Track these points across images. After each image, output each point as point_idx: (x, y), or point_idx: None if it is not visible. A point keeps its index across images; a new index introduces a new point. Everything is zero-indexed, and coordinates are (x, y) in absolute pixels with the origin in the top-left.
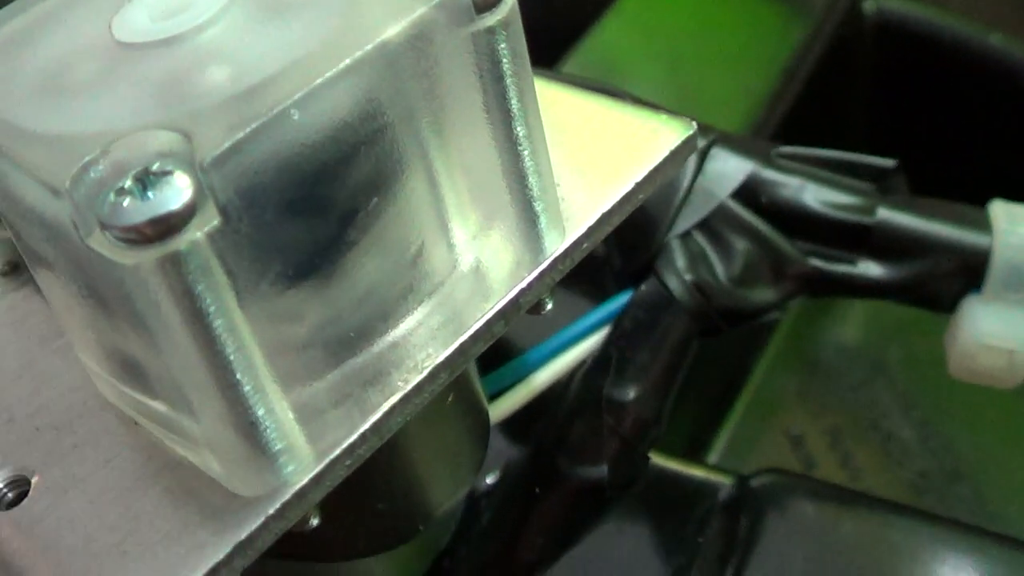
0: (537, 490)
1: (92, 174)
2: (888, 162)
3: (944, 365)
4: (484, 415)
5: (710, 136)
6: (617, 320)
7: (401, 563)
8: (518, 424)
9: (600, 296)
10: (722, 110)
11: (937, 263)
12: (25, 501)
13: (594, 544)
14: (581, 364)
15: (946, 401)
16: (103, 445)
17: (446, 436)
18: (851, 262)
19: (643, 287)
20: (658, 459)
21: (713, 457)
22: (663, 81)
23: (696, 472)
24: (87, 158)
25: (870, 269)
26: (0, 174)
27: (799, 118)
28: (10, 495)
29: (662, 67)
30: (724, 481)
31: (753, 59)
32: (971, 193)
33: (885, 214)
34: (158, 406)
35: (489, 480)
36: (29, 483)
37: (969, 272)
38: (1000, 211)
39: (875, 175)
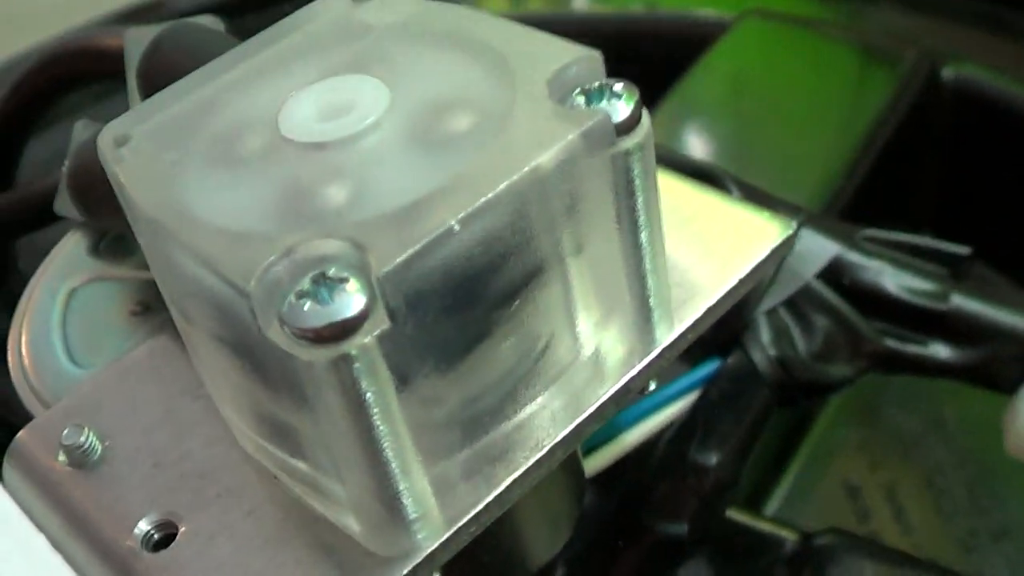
0: (620, 542)
1: (273, 274)
2: (963, 249)
3: (998, 427)
4: (582, 477)
5: (799, 217)
6: (705, 389)
7: None
8: (601, 476)
9: (688, 360)
10: (801, 172)
11: (1002, 348)
12: (173, 544)
13: None
14: (668, 426)
15: (998, 461)
16: (245, 496)
17: (549, 498)
18: (923, 343)
19: (730, 360)
20: (728, 511)
21: (773, 503)
22: (745, 138)
23: (763, 525)
24: (270, 258)
25: (939, 351)
26: (170, 255)
27: (875, 184)
28: (156, 537)
29: (745, 125)
30: (789, 536)
31: (833, 122)
32: None
33: (958, 301)
34: (302, 466)
35: None
36: (175, 527)
37: None
38: None
39: (950, 260)
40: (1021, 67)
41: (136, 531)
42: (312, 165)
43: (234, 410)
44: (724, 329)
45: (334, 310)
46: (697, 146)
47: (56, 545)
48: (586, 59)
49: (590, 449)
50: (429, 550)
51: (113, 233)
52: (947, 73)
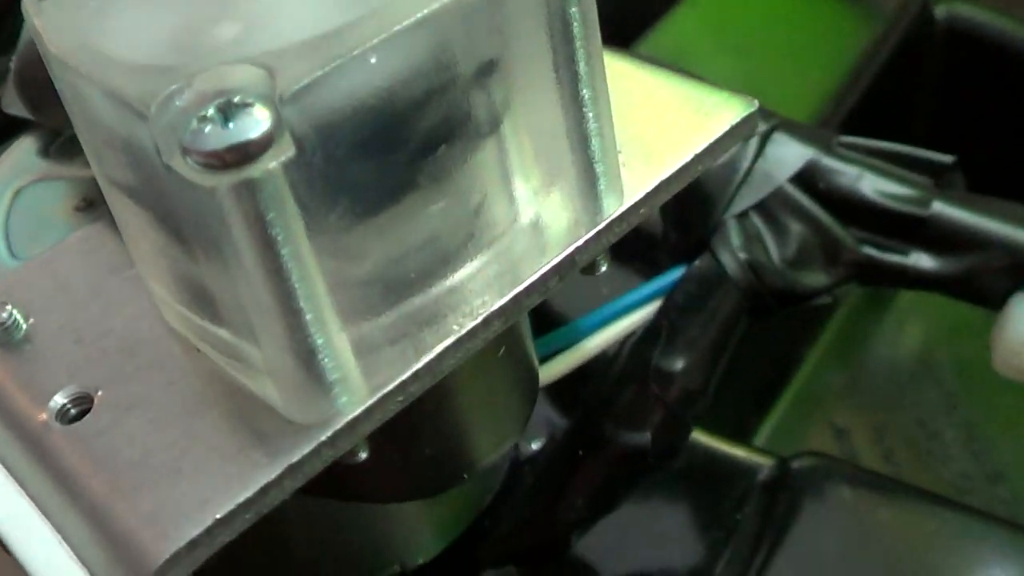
0: (580, 453)
1: (177, 102)
2: (946, 158)
3: (990, 369)
4: (534, 373)
5: (772, 121)
6: (669, 293)
7: (441, 517)
8: (565, 393)
9: (654, 272)
10: (788, 105)
11: (988, 259)
12: (87, 416)
13: (633, 512)
14: (631, 335)
15: (991, 404)
16: (166, 369)
17: (495, 387)
18: (903, 252)
19: (697, 263)
20: (702, 437)
21: (758, 443)
22: (731, 73)
23: (738, 452)
24: (173, 87)
25: (921, 260)
26: (84, 97)
27: (863, 117)
28: (73, 411)
29: (731, 59)
30: (765, 462)
31: (821, 57)
32: None
33: (940, 207)
34: (221, 332)
35: (534, 446)
36: (92, 401)
37: (1019, 270)
38: None
39: (933, 170)
40: (1012, 5)
41: (51, 404)
42: (232, 2)
43: (155, 277)
44: (691, 233)
45: (235, 132)
46: None
47: None
48: None
49: (548, 356)
50: (350, 416)
51: (66, 135)
52: (939, 12)
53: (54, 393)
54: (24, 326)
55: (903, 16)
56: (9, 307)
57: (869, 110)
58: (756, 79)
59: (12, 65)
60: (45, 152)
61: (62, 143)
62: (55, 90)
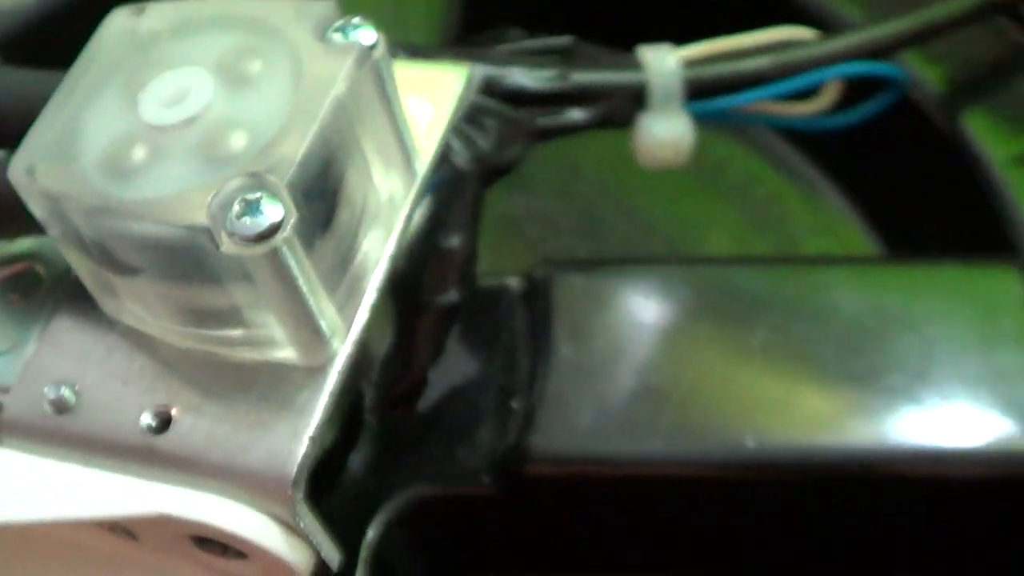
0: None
1: (213, 207)
2: (566, 39)
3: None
4: None
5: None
6: (433, 194)
7: None
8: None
9: None
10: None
11: (616, 98)
12: (172, 425)
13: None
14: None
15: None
16: (197, 377)
17: None
18: (561, 113)
19: (442, 171)
20: None
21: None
22: None
23: (492, 280)
24: (208, 199)
25: (574, 114)
26: (125, 233)
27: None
28: (159, 424)
29: None
30: (512, 282)
31: None
32: None
33: (577, 77)
34: (235, 333)
35: None
36: (170, 413)
37: (637, 99)
38: (647, 52)
39: (561, 50)
40: None
41: (141, 423)
42: (193, 138)
43: (166, 320)
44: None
45: (264, 219)
46: None
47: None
48: (328, 6)
49: None
50: (346, 354)
51: None
52: None
53: (136, 419)
54: (73, 395)
55: None
56: (52, 385)
57: None
58: None
59: None
60: None
61: None
62: None
